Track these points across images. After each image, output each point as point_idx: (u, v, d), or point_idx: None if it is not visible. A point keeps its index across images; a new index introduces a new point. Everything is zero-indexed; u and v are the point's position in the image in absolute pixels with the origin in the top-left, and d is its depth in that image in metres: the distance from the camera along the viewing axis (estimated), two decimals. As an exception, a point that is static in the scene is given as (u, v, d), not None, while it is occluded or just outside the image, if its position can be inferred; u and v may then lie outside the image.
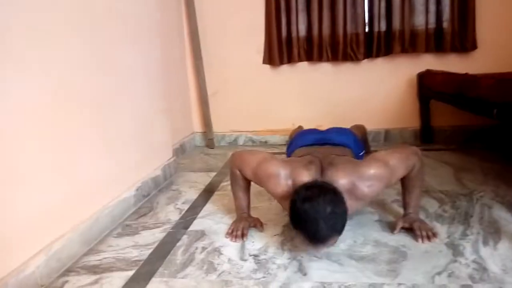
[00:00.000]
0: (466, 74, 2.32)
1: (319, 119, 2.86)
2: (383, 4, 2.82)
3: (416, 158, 1.53)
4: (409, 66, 2.90)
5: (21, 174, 1.30)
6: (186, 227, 1.75)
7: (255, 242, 1.58)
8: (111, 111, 1.84)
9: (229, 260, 1.46)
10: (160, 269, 1.42)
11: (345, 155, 1.64)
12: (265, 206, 1.92)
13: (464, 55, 2.84)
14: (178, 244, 1.60)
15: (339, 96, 3.02)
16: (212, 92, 3.16)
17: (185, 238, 1.65)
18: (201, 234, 1.68)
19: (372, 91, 3.00)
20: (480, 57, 2.81)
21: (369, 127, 2.69)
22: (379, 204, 1.86)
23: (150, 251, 1.56)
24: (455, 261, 1.36)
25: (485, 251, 1.41)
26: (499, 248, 1.42)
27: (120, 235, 1.71)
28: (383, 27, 2.86)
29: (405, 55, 2.89)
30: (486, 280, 1.24)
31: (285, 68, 3.06)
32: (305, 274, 1.34)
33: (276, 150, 2.88)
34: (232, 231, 1.63)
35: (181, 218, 1.85)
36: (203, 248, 1.56)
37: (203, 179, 2.38)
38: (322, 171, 1.46)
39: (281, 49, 2.99)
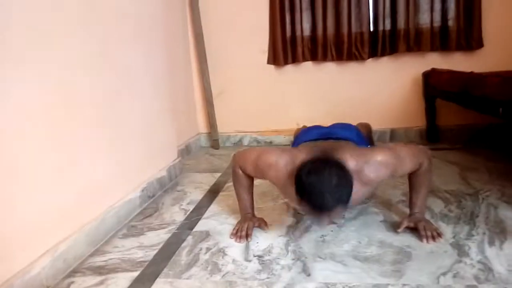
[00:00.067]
0: (471, 72, 2.31)
1: (323, 119, 2.85)
2: (387, 2, 2.81)
3: (425, 157, 1.53)
4: (414, 65, 2.89)
5: (26, 175, 1.31)
6: (191, 228, 1.75)
7: (260, 242, 1.58)
8: (116, 112, 1.85)
9: (234, 260, 1.47)
10: (165, 270, 1.43)
11: None
12: (269, 206, 1.92)
13: (470, 54, 2.82)
14: (183, 244, 1.61)
15: (343, 96, 3.01)
16: (217, 92, 3.17)
17: (189, 239, 1.65)
18: (206, 235, 1.68)
19: (377, 91, 2.99)
20: (486, 56, 2.79)
21: (375, 126, 2.68)
22: (384, 204, 1.86)
23: (155, 252, 1.57)
24: (460, 261, 1.35)
25: (490, 251, 1.40)
26: (505, 248, 1.41)
27: (125, 236, 1.72)
28: (388, 26, 2.85)
29: (410, 54, 2.88)
30: (491, 281, 1.23)
31: (289, 68, 3.06)
32: (309, 275, 1.34)
33: (281, 150, 2.88)
34: (237, 232, 1.64)
35: (186, 218, 1.86)
36: (208, 249, 1.56)
37: (208, 180, 2.39)
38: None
39: (285, 49, 2.99)
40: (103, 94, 1.74)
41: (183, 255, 1.52)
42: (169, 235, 1.70)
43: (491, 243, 1.45)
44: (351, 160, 1.41)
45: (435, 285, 1.24)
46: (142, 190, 2.03)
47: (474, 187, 1.99)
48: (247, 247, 1.55)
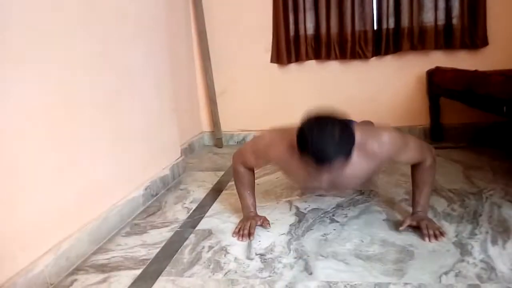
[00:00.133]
0: (475, 71, 2.30)
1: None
2: (391, 1, 2.79)
3: (430, 154, 1.53)
4: (418, 63, 2.87)
5: (28, 174, 1.32)
6: (194, 226, 1.76)
7: (262, 241, 1.59)
8: (119, 111, 1.86)
9: (236, 259, 1.47)
10: (167, 268, 1.43)
11: None
12: (271, 205, 1.92)
13: (474, 52, 2.81)
14: (185, 243, 1.61)
15: (347, 95, 3.00)
16: (220, 91, 3.17)
17: (192, 237, 1.66)
18: (208, 233, 1.68)
19: (381, 89, 2.98)
20: (491, 54, 2.77)
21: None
22: (387, 203, 1.85)
23: (157, 250, 1.57)
24: (463, 260, 1.35)
25: (493, 251, 1.39)
26: (508, 247, 1.40)
27: (128, 234, 1.73)
28: (392, 24, 2.83)
29: (414, 53, 2.87)
30: (494, 280, 1.23)
31: (293, 66, 3.05)
32: (311, 273, 1.34)
33: (284, 149, 2.88)
34: (239, 230, 1.64)
35: (188, 217, 1.87)
36: (210, 247, 1.57)
37: (211, 179, 2.39)
38: None
39: (289, 48, 2.98)
40: (104, 94, 1.74)
41: (185, 253, 1.53)
42: (172, 233, 1.71)
43: (494, 242, 1.45)
44: (357, 131, 1.41)
45: (437, 284, 1.23)
46: (146, 189, 2.04)
47: (478, 186, 1.98)
48: (249, 246, 1.56)
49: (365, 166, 1.45)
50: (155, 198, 2.12)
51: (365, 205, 1.84)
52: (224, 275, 1.37)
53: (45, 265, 1.34)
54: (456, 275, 1.27)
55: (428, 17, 2.79)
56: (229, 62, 3.13)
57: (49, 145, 1.40)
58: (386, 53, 2.88)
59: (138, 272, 1.42)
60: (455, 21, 2.77)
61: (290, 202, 1.94)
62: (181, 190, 2.24)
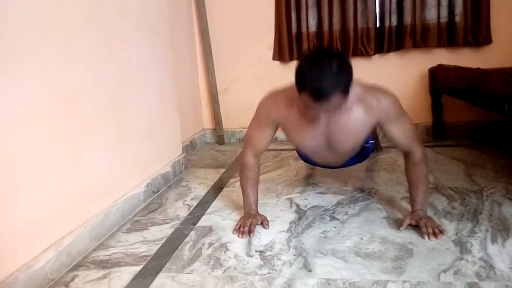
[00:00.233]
0: (477, 69, 2.29)
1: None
2: (394, -2, 2.79)
3: (420, 147, 1.56)
4: (420, 61, 2.87)
5: (30, 170, 1.32)
6: (194, 223, 1.77)
7: (262, 238, 1.59)
8: (121, 108, 1.86)
9: (236, 256, 1.48)
10: (168, 264, 1.44)
11: None
12: (272, 202, 1.92)
13: (478, 50, 2.80)
14: (185, 239, 1.62)
15: (349, 92, 3.00)
16: (222, 88, 3.17)
17: (192, 234, 1.67)
18: (209, 230, 1.69)
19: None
20: (494, 52, 2.76)
21: (380, 123, 2.67)
22: (387, 201, 1.85)
23: (158, 246, 1.58)
24: (462, 258, 1.35)
25: (493, 249, 1.39)
26: (508, 245, 1.40)
27: (129, 231, 1.74)
28: (394, 21, 2.83)
29: (416, 50, 2.86)
30: (492, 278, 1.23)
31: (295, 64, 3.03)
32: (310, 271, 1.35)
33: (285, 147, 2.89)
34: (240, 227, 1.64)
35: (189, 214, 1.87)
36: (210, 244, 1.57)
37: (213, 176, 2.40)
38: None
39: (291, 45, 2.98)
40: (105, 91, 1.75)
41: (185, 250, 1.54)
42: (173, 230, 1.72)
43: (494, 240, 1.45)
44: (358, 86, 1.41)
45: (435, 282, 1.23)
46: (147, 186, 2.05)
47: (479, 184, 1.98)
48: (249, 243, 1.56)
49: (361, 118, 1.48)
50: (156, 195, 2.13)
51: (366, 203, 1.85)
52: (224, 271, 1.38)
53: (46, 260, 1.35)
54: (455, 273, 1.27)
55: (431, 15, 2.78)
56: (231, 59, 3.13)
57: (50, 141, 1.41)
58: (389, 50, 2.87)
59: (138, 268, 1.43)
60: (458, 18, 2.76)
61: (290, 200, 1.94)
62: (182, 187, 2.25)
